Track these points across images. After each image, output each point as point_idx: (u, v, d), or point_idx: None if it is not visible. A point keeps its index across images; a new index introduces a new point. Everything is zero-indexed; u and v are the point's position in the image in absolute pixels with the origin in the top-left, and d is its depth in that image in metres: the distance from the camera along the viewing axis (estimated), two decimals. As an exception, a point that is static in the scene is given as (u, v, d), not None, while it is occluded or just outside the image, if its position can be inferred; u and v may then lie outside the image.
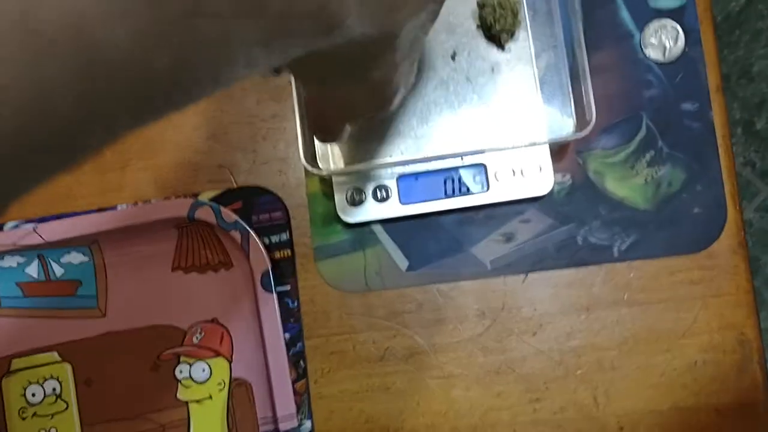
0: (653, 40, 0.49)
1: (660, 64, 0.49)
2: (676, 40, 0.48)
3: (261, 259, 0.46)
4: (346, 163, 0.48)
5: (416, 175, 0.48)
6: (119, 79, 0.17)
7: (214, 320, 0.50)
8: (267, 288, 0.46)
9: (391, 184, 0.48)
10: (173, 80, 0.18)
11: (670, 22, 0.48)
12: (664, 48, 0.48)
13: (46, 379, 0.51)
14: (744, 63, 1.32)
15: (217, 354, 0.49)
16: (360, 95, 0.32)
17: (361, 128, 0.48)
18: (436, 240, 0.49)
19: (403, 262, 0.49)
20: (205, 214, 0.47)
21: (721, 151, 0.48)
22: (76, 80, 0.15)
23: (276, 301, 0.46)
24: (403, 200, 0.48)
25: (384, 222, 0.49)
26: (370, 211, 0.48)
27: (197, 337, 0.50)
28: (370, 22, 0.23)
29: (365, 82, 0.30)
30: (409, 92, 0.46)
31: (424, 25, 0.29)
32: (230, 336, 0.49)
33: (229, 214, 0.47)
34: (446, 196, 0.48)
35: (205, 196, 0.50)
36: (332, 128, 0.37)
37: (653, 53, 0.49)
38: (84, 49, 0.15)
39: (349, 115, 0.36)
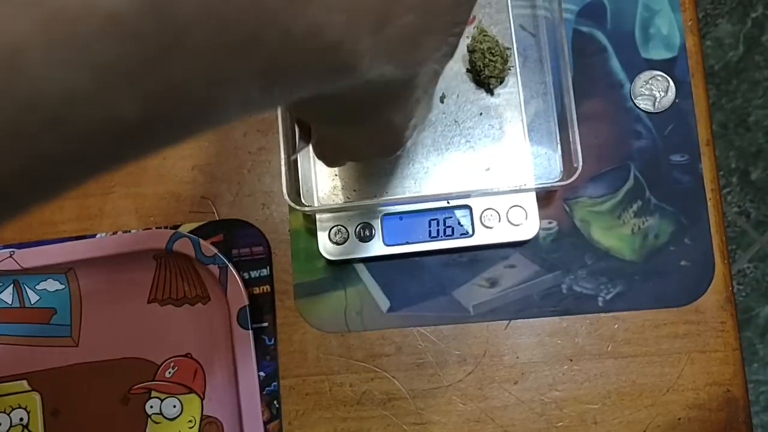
0: (643, 91, 0.48)
1: (650, 115, 0.48)
2: (666, 91, 0.48)
3: (239, 295, 0.45)
4: (331, 201, 0.47)
5: (401, 216, 0.47)
6: (73, 127, 0.14)
7: (188, 355, 0.49)
8: (243, 325, 0.45)
9: (376, 223, 0.47)
10: (146, 128, 0.16)
11: (660, 74, 0.48)
12: (654, 98, 0.48)
13: (13, 408, 0.49)
14: (741, 112, 1.33)
15: (190, 390, 0.48)
16: (374, 136, 0.29)
17: (347, 166, 0.47)
18: (419, 282, 0.48)
19: (384, 303, 0.48)
20: (183, 246, 0.46)
21: (710, 204, 0.47)
22: (17, 124, 0.13)
23: (252, 339, 0.45)
24: (387, 240, 0.47)
25: (367, 261, 0.49)
26: (353, 249, 0.48)
27: (170, 372, 0.48)
28: (388, 61, 0.20)
29: (381, 123, 0.27)
30: (423, 129, 0.46)
31: (443, 59, 0.25)
32: (204, 372, 0.48)
33: (208, 248, 0.46)
34: (430, 237, 0.47)
35: (186, 228, 0.50)
36: (339, 160, 0.36)
37: (643, 103, 0.48)
38: (20, 89, 0.13)
39: (360, 154, 0.34)
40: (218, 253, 0.46)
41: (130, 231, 0.50)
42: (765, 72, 1.33)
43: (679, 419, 0.46)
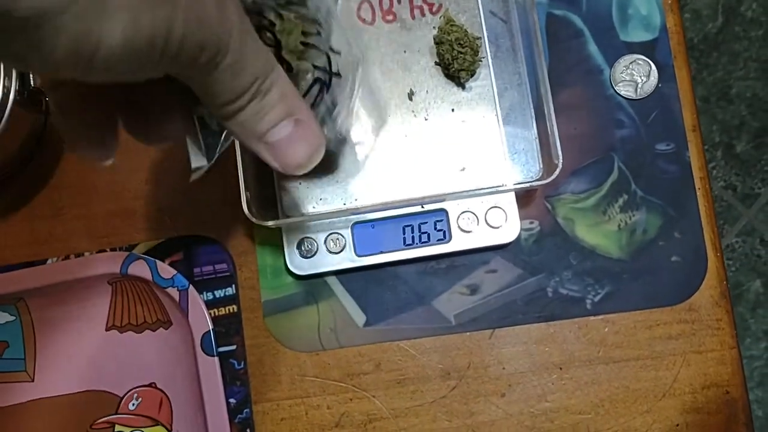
0: (624, 76, 0.45)
1: (632, 102, 0.45)
2: (648, 75, 0.45)
3: (201, 320, 0.42)
4: (296, 212, 0.44)
5: (372, 223, 0.44)
6: None
7: (152, 385, 0.45)
8: (208, 351, 0.42)
9: (346, 233, 0.44)
10: None
11: (641, 57, 0.45)
12: (636, 84, 0.45)
13: (-32, 450, 0.46)
14: (722, 85, 1.31)
15: (156, 422, 0.45)
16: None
17: (311, 173, 0.44)
18: (396, 293, 0.45)
19: (359, 317, 0.45)
20: (139, 269, 0.43)
21: (699, 194, 0.44)
22: None
23: (218, 366, 0.42)
24: (359, 251, 0.44)
25: (339, 273, 0.45)
26: (323, 262, 0.44)
27: (134, 404, 0.45)
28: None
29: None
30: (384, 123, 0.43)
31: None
32: (170, 402, 0.45)
33: (166, 269, 0.43)
34: (405, 245, 0.44)
35: (143, 247, 0.46)
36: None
37: (624, 90, 0.45)
38: None
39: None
40: (178, 274, 0.43)
41: (82, 254, 0.46)
42: (745, 43, 1.31)
43: (677, 425, 0.43)
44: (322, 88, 0.35)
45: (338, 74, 0.35)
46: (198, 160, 0.33)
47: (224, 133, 0.34)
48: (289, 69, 0.32)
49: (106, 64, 0.21)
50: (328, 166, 0.44)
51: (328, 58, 0.34)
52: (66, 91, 0.28)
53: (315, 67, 0.33)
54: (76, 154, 0.30)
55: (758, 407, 1.25)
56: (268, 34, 0.32)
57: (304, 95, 0.34)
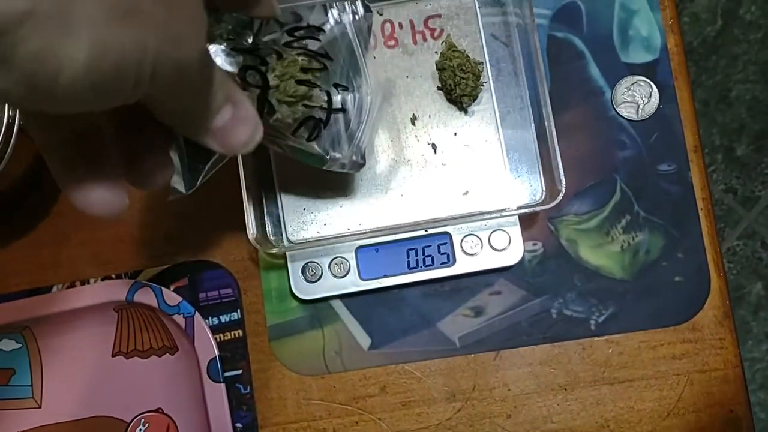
0: (625, 98, 0.45)
1: (633, 123, 0.46)
2: (649, 96, 0.45)
3: (208, 346, 0.42)
4: (301, 237, 0.44)
5: (376, 247, 0.44)
6: None
7: (158, 410, 0.45)
8: (215, 378, 0.42)
9: (350, 257, 0.44)
10: None
11: (642, 78, 0.45)
12: (637, 105, 0.45)
13: (-23, 476, 0.46)
14: (722, 88, 1.31)
15: (163, 448, 0.45)
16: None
17: (315, 198, 0.44)
18: (400, 316, 0.45)
19: (365, 340, 0.45)
20: (145, 296, 0.43)
21: (701, 215, 0.45)
22: None
23: (224, 392, 0.42)
24: (363, 274, 0.44)
25: (343, 297, 0.46)
26: (328, 286, 0.45)
27: (141, 429, 0.45)
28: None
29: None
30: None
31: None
32: (177, 427, 0.45)
33: (171, 296, 0.43)
34: (409, 269, 0.44)
35: (148, 273, 0.46)
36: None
37: (626, 111, 0.45)
38: None
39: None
40: (183, 301, 0.43)
41: (87, 281, 0.46)
42: (744, 46, 1.31)
43: (682, 445, 0.43)
44: (318, 125, 0.35)
45: (341, 110, 0.35)
46: (178, 183, 0.34)
47: (212, 160, 0.34)
48: (270, 111, 0.33)
49: (72, 88, 0.19)
50: (334, 190, 0.44)
51: (329, 95, 0.34)
52: (58, 133, 0.26)
53: (308, 106, 0.33)
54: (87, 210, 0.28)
55: (760, 410, 1.25)
56: (257, 76, 0.32)
57: (293, 132, 0.35)
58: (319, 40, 0.35)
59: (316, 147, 0.36)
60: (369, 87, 0.37)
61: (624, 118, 0.45)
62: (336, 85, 0.35)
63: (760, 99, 1.29)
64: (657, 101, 0.45)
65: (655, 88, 0.45)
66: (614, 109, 0.46)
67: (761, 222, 1.28)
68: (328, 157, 0.37)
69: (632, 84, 0.45)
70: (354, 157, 0.37)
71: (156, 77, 0.21)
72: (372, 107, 0.37)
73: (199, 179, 0.34)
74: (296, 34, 0.34)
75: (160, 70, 0.21)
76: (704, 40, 1.32)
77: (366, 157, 0.39)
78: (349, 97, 0.36)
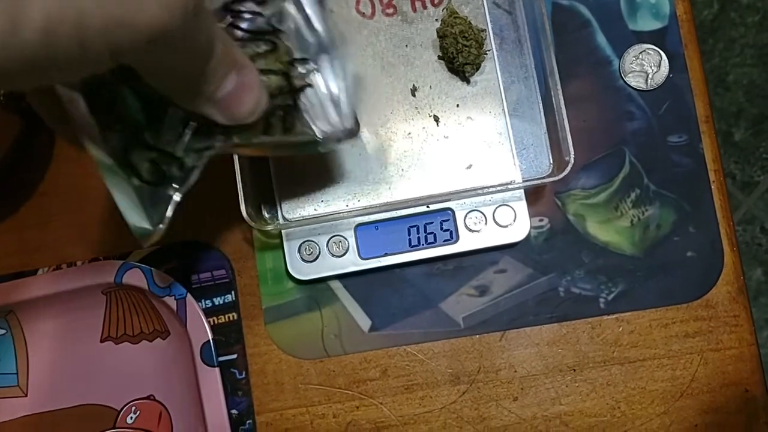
0: (634, 67, 0.44)
1: (642, 93, 0.44)
2: (658, 65, 0.44)
3: (200, 329, 0.40)
4: (297, 215, 0.42)
5: (376, 225, 0.43)
6: None
7: (150, 397, 0.44)
8: (208, 362, 0.40)
9: (349, 235, 0.42)
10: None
11: (651, 47, 0.44)
12: (646, 75, 0.44)
13: (-39, 469, 0.44)
14: (720, 72, 1.30)
15: (156, 436, 0.43)
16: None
17: (311, 174, 0.42)
18: (402, 296, 0.44)
19: (365, 322, 0.44)
20: (135, 277, 0.41)
21: (714, 187, 0.43)
22: None
23: (219, 376, 0.40)
24: (363, 253, 0.42)
25: (342, 277, 0.44)
26: (326, 266, 0.43)
27: (132, 417, 0.44)
28: None
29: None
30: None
31: None
32: (169, 414, 0.43)
33: (162, 277, 0.41)
34: (411, 247, 0.42)
35: (137, 255, 0.44)
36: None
37: (634, 81, 0.44)
38: None
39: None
40: (174, 282, 0.41)
41: (74, 263, 0.44)
42: (741, 29, 1.30)
43: (696, 426, 0.42)
44: (290, 112, 0.32)
45: (308, 85, 0.33)
46: (138, 220, 0.28)
47: (185, 179, 0.30)
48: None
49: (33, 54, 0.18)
50: (331, 165, 0.42)
51: (287, 76, 0.32)
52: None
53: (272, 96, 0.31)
54: None
55: (761, 396, 1.24)
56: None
57: (264, 132, 0.31)
58: (262, 15, 0.32)
59: (301, 133, 0.33)
60: (334, 41, 0.34)
61: (632, 88, 0.44)
62: (292, 62, 0.33)
63: (758, 83, 1.28)
64: (666, 70, 0.44)
65: (664, 57, 0.44)
66: (622, 78, 0.44)
67: (760, 207, 1.26)
68: (321, 138, 0.33)
69: (641, 53, 0.44)
70: (346, 124, 0.34)
71: (115, 42, 0.20)
72: (344, 62, 0.34)
73: (169, 207, 0.29)
74: (233, 8, 0.31)
75: (119, 34, 0.20)
76: (701, 24, 1.30)
77: (360, 121, 0.36)
78: (317, 65, 0.33)
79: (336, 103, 0.34)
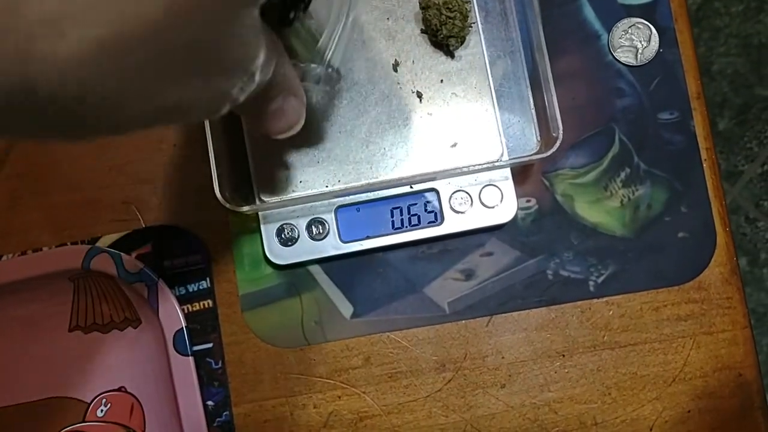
0: (623, 41, 0.42)
1: (632, 69, 0.42)
2: (648, 40, 0.42)
3: (173, 316, 0.39)
4: (274, 196, 0.40)
5: (358, 207, 0.41)
6: None
7: (121, 389, 0.41)
8: (182, 350, 0.38)
9: (329, 217, 0.41)
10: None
11: (641, 21, 0.42)
12: (636, 50, 0.42)
13: (-77, 467, 0.42)
14: (704, 62, 1.29)
15: (127, 429, 0.41)
16: None
17: (290, 154, 0.40)
18: (384, 281, 0.42)
19: (346, 309, 0.42)
20: (103, 263, 0.39)
21: (705, 166, 0.42)
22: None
23: (193, 366, 0.38)
24: (344, 236, 0.41)
25: (322, 261, 0.42)
26: (305, 250, 0.41)
27: (102, 410, 0.41)
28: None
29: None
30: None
31: None
32: (141, 407, 0.41)
33: (132, 263, 0.39)
34: (394, 229, 0.41)
35: (106, 240, 0.42)
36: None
37: (624, 56, 0.42)
38: None
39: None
40: (145, 269, 0.39)
41: (41, 249, 0.42)
42: (725, 19, 1.29)
43: (689, 411, 0.41)
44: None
45: None
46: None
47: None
48: None
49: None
50: (310, 144, 0.40)
51: None
52: None
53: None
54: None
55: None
56: None
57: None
58: None
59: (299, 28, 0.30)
60: None
61: (622, 63, 0.42)
62: None
63: (742, 72, 1.28)
64: (657, 45, 0.42)
65: (654, 31, 0.42)
66: (611, 54, 0.42)
67: (745, 196, 1.26)
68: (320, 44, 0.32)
69: (630, 27, 0.42)
70: (329, 69, 0.33)
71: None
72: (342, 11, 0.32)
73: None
74: None
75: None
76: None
77: (341, 71, 0.34)
78: None
79: (323, 48, 0.32)
